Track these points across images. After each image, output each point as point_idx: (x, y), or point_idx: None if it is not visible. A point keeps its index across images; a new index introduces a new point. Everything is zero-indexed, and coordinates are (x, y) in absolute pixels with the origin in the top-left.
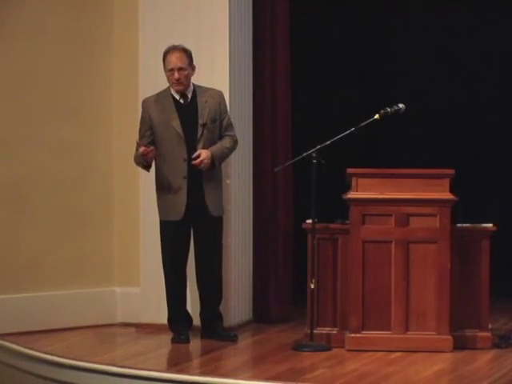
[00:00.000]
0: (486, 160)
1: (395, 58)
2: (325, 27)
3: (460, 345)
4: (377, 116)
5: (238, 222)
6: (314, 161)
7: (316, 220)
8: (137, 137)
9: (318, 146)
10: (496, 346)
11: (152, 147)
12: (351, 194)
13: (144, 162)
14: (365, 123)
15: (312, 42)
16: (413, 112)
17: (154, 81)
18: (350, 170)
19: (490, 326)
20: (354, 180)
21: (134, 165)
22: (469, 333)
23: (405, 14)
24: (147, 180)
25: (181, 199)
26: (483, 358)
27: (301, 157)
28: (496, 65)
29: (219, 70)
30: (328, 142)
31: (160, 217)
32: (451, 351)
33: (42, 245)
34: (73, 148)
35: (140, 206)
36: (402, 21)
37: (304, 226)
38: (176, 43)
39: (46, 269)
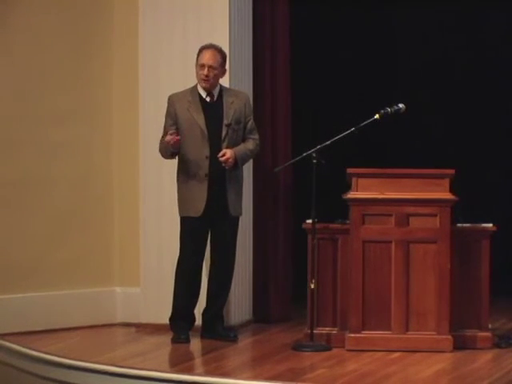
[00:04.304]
0: (486, 160)
1: (396, 58)
2: (325, 26)
3: (460, 345)
4: (377, 116)
5: (239, 222)
6: (314, 161)
7: (316, 220)
8: (137, 136)
9: (318, 146)
10: (496, 345)
11: (174, 134)
12: (351, 194)
13: (172, 149)
14: (365, 123)
15: (312, 42)
16: (413, 112)
17: (154, 81)
18: (350, 170)
19: (489, 326)
20: (354, 180)
21: (134, 165)
22: (469, 333)
23: (406, 14)
24: (147, 180)
25: (201, 196)
26: (483, 358)
27: (301, 157)
28: (496, 64)
29: None
30: (328, 142)
31: (180, 213)
32: (451, 351)
33: (42, 245)
34: (73, 148)
35: (140, 206)
36: (402, 20)
37: (304, 226)
38: (176, 43)
39: (46, 269)
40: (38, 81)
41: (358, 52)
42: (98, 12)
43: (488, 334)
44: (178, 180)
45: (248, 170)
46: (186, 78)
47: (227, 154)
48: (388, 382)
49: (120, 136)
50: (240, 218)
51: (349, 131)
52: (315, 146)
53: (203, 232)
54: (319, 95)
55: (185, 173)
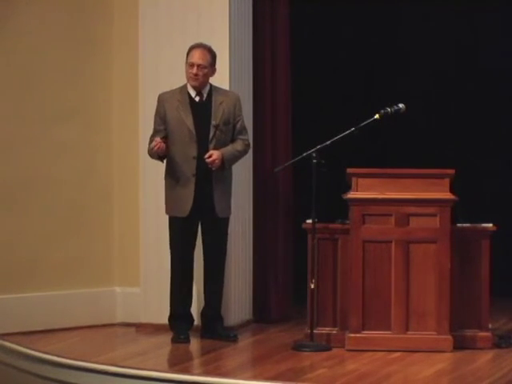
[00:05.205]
0: (486, 160)
1: (396, 58)
2: (325, 26)
3: (460, 345)
4: (377, 116)
5: (238, 222)
6: (314, 161)
7: (316, 220)
8: (137, 136)
9: (318, 146)
10: (496, 345)
11: (159, 140)
12: (351, 194)
13: (159, 154)
14: (365, 123)
15: (312, 42)
16: (413, 112)
17: (154, 80)
18: (350, 170)
19: (490, 326)
20: (354, 180)
21: (134, 164)
22: (469, 333)
23: (406, 14)
24: (147, 180)
25: (187, 196)
26: (483, 358)
27: (301, 157)
28: (496, 64)
29: (219, 70)
30: (328, 142)
31: (166, 212)
32: (451, 351)
33: (42, 245)
34: (73, 148)
35: (140, 206)
36: (403, 19)
37: (304, 226)
38: (176, 43)
39: (45, 269)
40: (38, 81)
41: (358, 52)
42: (98, 12)
43: (488, 333)
44: (165, 179)
45: (248, 169)
46: (185, 77)
47: (214, 155)
48: (388, 382)
49: (120, 136)
50: (240, 218)
51: (349, 131)
52: (315, 146)
53: (191, 232)
54: (319, 95)
55: (172, 173)
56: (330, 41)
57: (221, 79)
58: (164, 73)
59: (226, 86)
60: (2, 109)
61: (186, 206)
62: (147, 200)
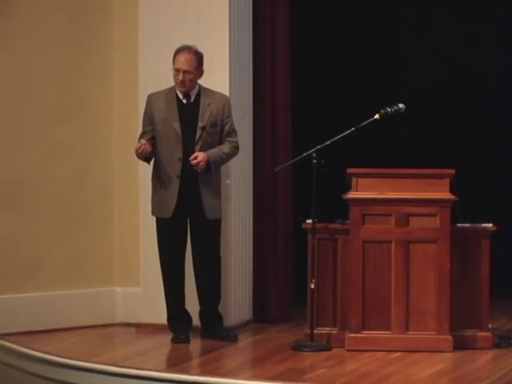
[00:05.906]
0: (486, 160)
1: (396, 58)
2: (325, 26)
3: (460, 345)
4: (377, 116)
5: (238, 222)
6: (314, 161)
7: (316, 220)
8: (137, 136)
9: (318, 146)
10: (496, 345)
11: (144, 142)
12: (351, 194)
13: (145, 155)
14: (365, 123)
15: (312, 42)
16: (413, 112)
17: (154, 80)
18: (350, 170)
19: (489, 326)
20: (354, 180)
21: (134, 164)
22: (469, 333)
23: (406, 13)
24: (147, 180)
25: (171, 197)
26: (483, 358)
27: (301, 157)
28: (497, 64)
29: (219, 70)
30: (328, 142)
31: (152, 213)
32: (451, 351)
33: (42, 245)
34: (73, 148)
35: (140, 206)
36: (403, 19)
37: (304, 225)
38: (176, 43)
39: (45, 269)
40: (37, 81)
41: (358, 52)
42: (98, 12)
43: (488, 333)
44: (151, 180)
45: (248, 169)
46: None
47: (199, 157)
48: (388, 382)
49: (120, 136)
50: (240, 218)
51: (349, 131)
52: (315, 146)
53: (178, 233)
54: (319, 95)
55: (158, 174)
56: (330, 41)
57: (221, 80)
58: (164, 73)
59: (226, 86)
60: (2, 109)
61: (169, 207)
62: (147, 200)
